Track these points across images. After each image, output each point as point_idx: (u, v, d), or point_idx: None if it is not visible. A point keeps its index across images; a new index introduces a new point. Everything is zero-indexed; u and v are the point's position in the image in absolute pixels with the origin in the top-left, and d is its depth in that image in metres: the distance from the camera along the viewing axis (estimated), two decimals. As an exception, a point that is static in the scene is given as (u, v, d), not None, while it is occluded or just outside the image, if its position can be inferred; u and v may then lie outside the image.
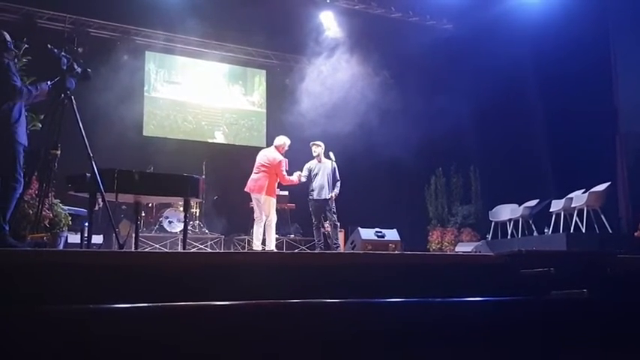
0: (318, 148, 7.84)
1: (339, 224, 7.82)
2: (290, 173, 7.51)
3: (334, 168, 7.75)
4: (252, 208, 7.36)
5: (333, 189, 7.68)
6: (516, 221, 9.63)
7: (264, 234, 7.15)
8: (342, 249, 8.37)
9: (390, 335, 2.51)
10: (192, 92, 11.16)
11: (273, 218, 7.20)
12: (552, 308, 3.00)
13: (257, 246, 7.12)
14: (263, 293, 2.63)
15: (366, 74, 10.32)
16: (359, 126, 9.43)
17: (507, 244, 8.91)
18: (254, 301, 2.50)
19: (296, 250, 9.05)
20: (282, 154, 7.26)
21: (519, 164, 9.93)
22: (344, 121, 9.22)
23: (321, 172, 7.75)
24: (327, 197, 7.59)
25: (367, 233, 8.59)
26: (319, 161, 7.85)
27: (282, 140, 7.37)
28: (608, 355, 2.76)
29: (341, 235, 8.71)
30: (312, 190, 7.79)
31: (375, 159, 10.59)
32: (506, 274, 3.39)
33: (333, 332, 2.44)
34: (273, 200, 7.20)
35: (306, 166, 7.92)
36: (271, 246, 7.19)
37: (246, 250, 7.00)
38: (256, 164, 7.24)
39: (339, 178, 7.80)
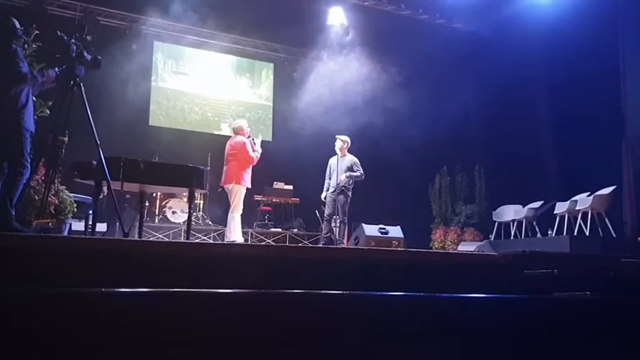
0: (339, 142, 7.78)
1: (346, 222, 7.81)
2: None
3: (354, 162, 7.68)
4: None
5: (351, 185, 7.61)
6: (520, 222, 9.60)
7: (228, 226, 6.90)
8: (345, 244, 8.37)
9: (391, 329, 2.52)
10: (200, 83, 11.17)
11: (239, 208, 6.86)
12: (555, 308, 3.00)
13: (239, 239, 6.93)
14: (265, 285, 2.64)
15: (374, 71, 10.29)
16: (365, 123, 9.41)
17: (510, 244, 8.89)
18: (257, 290, 2.51)
19: (300, 244, 9.05)
20: (245, 136, 7.10)
21: (524, 165, 9.90)
22: (350, 118, 9.19)
23: (339, 167, 7.69)
24: (340, 189, 7.48)
25: (371, 229, 8.59)
26: (341, 156, 7.78)
27: (239, 123, 7.30)
28: (610, 357, 2.76)
29: (345, 231, 8.71)
30: (328, 188, 7.76)
31: (381, 156, 10.57)
32: (510, 275, 3.39)
33: (334, 324, 2.45)
34: (242, 189, 6.90)
35: (330, 161, 7.91)
36: (238, 239, 6.87)
37: (249, 243, 6.96)
38: (225, 157, 7.15)
39: (362, 172, 7.70)
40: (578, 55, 8.92)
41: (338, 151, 7.80)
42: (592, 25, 8.85)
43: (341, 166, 7.65)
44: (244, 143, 7.03)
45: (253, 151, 7.07)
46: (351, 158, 7.79)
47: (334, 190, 7.68)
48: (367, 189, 10.85)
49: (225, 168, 7.10)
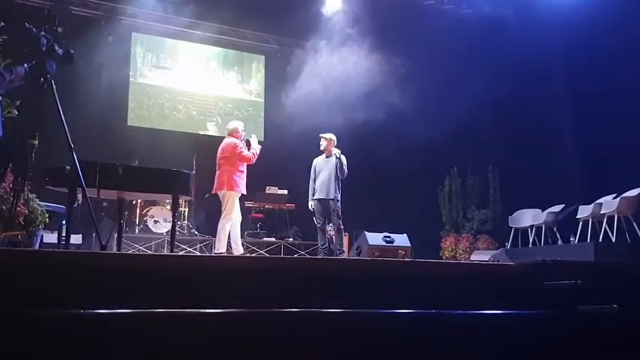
0: (324, 141, 7.84)
1: (343, 228, 7.82)
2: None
3: (340, 163, 7.73)
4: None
5: (340, 186, 7.65)
6: (539, 228, 9.61)
7: (229, 236, 6.93)
8: (346, 255, 8.37)
9: (399, 351, 2.51)
10: (183, 79, 11.17)
11: (231, 216, 6.88)
12: (579, 324, 3.00)
13: (237, 250, 7.00)
14: (258, 302, 2.63)
15: (375, 63, 10.30)
16: (366, 120, 9.43)
17: (529, 253, 8.90)
18: (247, 310, 2.50)
19: (295, 256, 9.04)
20: (239, 139, 7.17)
21: (543, 165, 9.92)
22: (349, 115, 9.22)
23: (326, 168, 7.73)
24: (331, 197, 7.56)
25: (374, 238, 8.59)
26: (327, 156, 7.85)
27: (234, 125, 7.36)
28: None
29: (345, 240, 8.71)
30: (315, 190, 7.80)
31: (384, 156, 10.59)
32: (528, 286, 3.38)
33: (334, 345, 2.44)
34: (234, 196, 6.97)
35: (314, 162, 7.96)
36: (221, 249, 6.87)
37: (240, 254, 6.94)
38: (217, 161, 7.17)
39: (346, 171, 7.70)
40: (603, 41, 8.91)
41: (332, 151, 7.82)
42: (619, 5, 8.80)
43: (329, 167, 7.67)
44: (235, 144, 7.06)
45: (248, 149, 7.08)
46: (334, 157, 7.77)
47: (322, 198, 7.67)
48: (370, 194, 10.89)
49: (217, 174, 7.12)
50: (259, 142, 7.31)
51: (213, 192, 7.16)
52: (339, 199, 7.68)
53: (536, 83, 9.96)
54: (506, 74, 9.80)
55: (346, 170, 7.69)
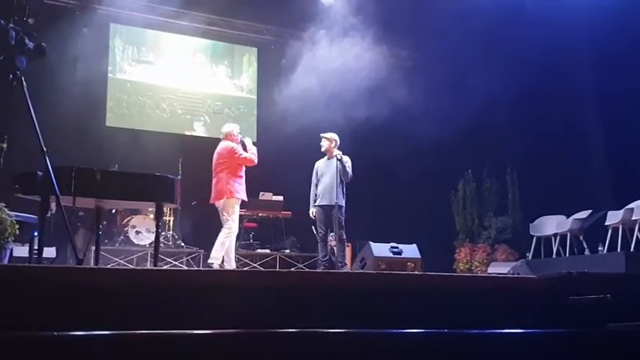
0: (325, 142, 7.86)
1: (345, 238, 7.82)
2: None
3: (342, 165, 7.74)
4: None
5: (344, 191, 7.68)
6: (563, 236, 9.61)
7: (227, 249, 7.01)
8: (349, 268, 8.36)
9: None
10: (167, 74, 11.18)
11: (230, 227, 6.97)
12: (609, 343, 2.99)
13: (229, 264, 7.04)
14: (253, 321, 2.63)
15: (379, 54, 10.31)
16: (370, 118, 9.44)
17: (552, 264, 8.88)
18: (241, 330, 2.50)
19: (293, 269, 9.03)
20: (235, 142, 7.25)
21: (568, 166, 9.92)
22: (351, 113, 9.22)
23: (329, 171, 7.75)
24: (333, 203, 7.55)
25: (380, 249, 8.58)
26: (328, 158, 7.87)
27: (230, 127, 7.43)
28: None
29: (348, 252, 8.70)
30: (317, 195, 7.82)
31: (390, 158, 10.59)
32: (552, 302, 3.38)
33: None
34: (235, 203, 7.04)
35: (315, 165, 7.98)
36: (215, 260, 6.96)
37: (232, 268, 6.94)
38: (213, 168, 7.23)
39: (350, 174, 7.74)
40: (633, 32, 8.91)
41: (333, 153, 7.83)
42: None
43: (331, 170, 7.68)
44: (232, 148, 7.13)
45: (246, 151, 7.17)
46: (335, 160, 7.79)
47: (324, 204, 7.69)
48: (375, 200, 10.88)
49: (213, 181, 7.17)
50: (253, 144, 7.34)
51: (212, 202, 7.20)
52: (344, 205, 7.68)
53: (559, 77, 9.96)
54: (525, 67, 9.80)
55: (350, 173, 7.70)
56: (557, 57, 9.75)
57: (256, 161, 7.20)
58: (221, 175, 7.09)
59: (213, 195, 7.16)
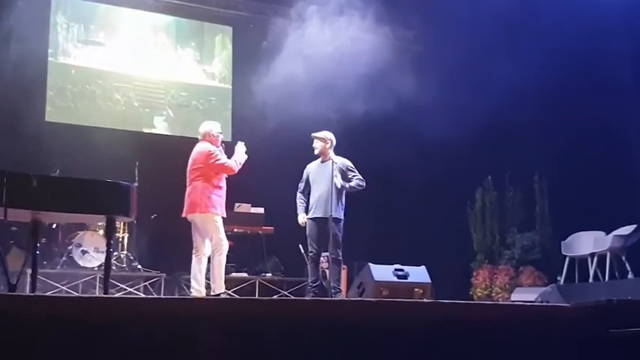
0: (318, 143, 7.89)
1: (341, 260, 7.82)
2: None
3: (346, 166, 7.75)
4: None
5: (343, 202, 7.73)
6: (602, 257, 9.64)
7: (210, 272, 7.09)
8: (344, 295, 8.35)
9: None
10: (121, 58, 11.14)
11: (219, 245, 7.08)
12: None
13: (198, 291, 7.08)
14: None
15: (382, 37, 10.33)
16: (368, 113, 9.44)
17: (589, 290, 8.91)
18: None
19: (276, 297, 9.01)
20: (215, 144, 7.27)
21: (608, 173, 9.96)
22: (346, 106, 9.22)
23: (323, 177, 7.77)
24: (331, 216, 7.57)
25: (382, 272, 8.57)
26: (323, 160, 7.90)
27: (208, 126, 7.42)
28: None
29: (343, 275, 8.69)
30: (309, 207, 7.84)
31: (393, 162, 10.60)
32: (589, 335, 3.39)
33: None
34: (214, 218, 7.09)
35: (307, 168, 8.02)
36: (219, 290, 7.06)
37: (200, 296, 6.93)
38: (187, 176, 7.26)
39: (361, 178, 7.86)
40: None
41: (329, 155, 7.84)
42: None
43: (326, 176, 7.70)
44: (209, 152, 7.13)
45: (229, 157, 7.21)
46: (341, 162, 7.83)
47: (317, 217, 7.71)
48: (375, 213, 10.88)
49: (187, 191, 7.20)
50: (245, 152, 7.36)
51: (184, 215, 7.20)
52: (342, 218, 7.71)
53: (596, 68, 9.99)
54: (557, 55, 9.84)
55: (360, 181, 7.84)
56: (592, 45, 9.79)
57: (236, 170, 7.20)
58: (195, 184, 7.10)
59: (185, 207, 7.18)
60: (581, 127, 10.22)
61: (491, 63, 9.86)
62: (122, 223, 9.13)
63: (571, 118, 10.30)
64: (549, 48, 9.83)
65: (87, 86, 10.89)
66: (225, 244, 7.13)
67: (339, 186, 7.65)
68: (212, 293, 7.11)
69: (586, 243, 9.92)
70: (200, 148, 7.25)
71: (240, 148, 7.34)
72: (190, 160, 7.26)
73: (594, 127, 10.12)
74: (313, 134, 7.95)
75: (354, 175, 7.87)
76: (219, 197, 7.13)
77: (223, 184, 7.22)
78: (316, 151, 7.93)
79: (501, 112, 10.02)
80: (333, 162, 7.69)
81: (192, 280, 7.15)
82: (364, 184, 7.89)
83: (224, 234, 7.15)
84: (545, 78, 10.01)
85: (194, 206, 7.06)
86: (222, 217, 7.19)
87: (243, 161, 7.26)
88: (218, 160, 7.11)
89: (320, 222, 7.70)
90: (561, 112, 10.43)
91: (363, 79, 9.67)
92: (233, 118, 11.55)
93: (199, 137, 7.42)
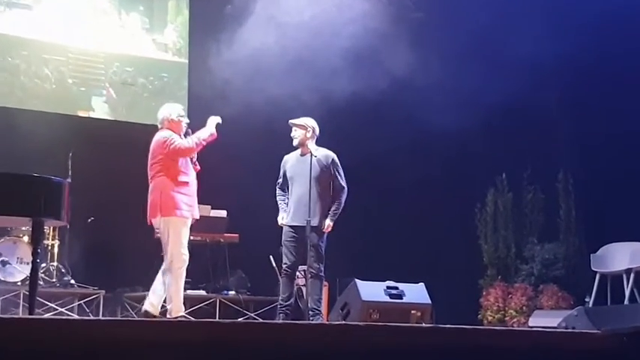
0: (298, 131, 7.89)
1: (323, 276, 7.84)
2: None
3: (329, 163, 7.79)
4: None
5: (328, 207, 7.75)
6: (639, 273, 9.71)
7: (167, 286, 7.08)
8: (324, 319, 8.36)
9: None
10: (52, 25, 11.09)
11: (178, 256, 7.02)
12: None
13: (153, 307, 7.08)
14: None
15: (373, 2, 10.36)
16: (356, 96, 9.46)
17: (624, 314, 8.96)
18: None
19: (241, 319, 9.01)
20: (177, 131, 7.23)
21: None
22: (328, 86, 9.23)
23: (302, 174, 7.79)
24: (312, 224, 7.60)
25: (372, 290, 8.59)
26: (303, 153, 7.92)
27: (167, 110, 7.36)
28: None
29: (324, 293, 8.69)
30: (287, 209, 7.88)
31: (387, 156, 10.62)
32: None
33: None
34: (176, 221, 7.02)
35: (283, 160, 8.05)
36: (176, 312, 7.05)
37: (147, 318, 6.92)
38: (148, 174, 7.25)
39: (343, 185, 7.86)
40: None
41: (310, 146, 7.86)
42: None
43: (305, 172, 7.72)
44: (164, 139, 7.07)
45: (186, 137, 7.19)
46: (323, 155, 7.83)
47: (295, 225, 7.75)
48: (363, 218, 10.88)
49: (149, 191, 7.17)
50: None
51: (149, 221, 7.21)
52: (328, 228, 7.73)
53: (633, 45, 10.08)
54: (588, 25, 9.89)
55: (343, 182, 7.86)
56: (627, 20, 9.85)
57: (194, 148, 7.12)
58: (156, 182, 7.06)
59: (148, 210, 7.15)
60: (616, 115, 10.28)
61: (508, 35, 9.91)
62: (52, 228, 9.09)
63: (604, 105, 10.35)
64: (582, 15, 9.86)
65: (9, 58, 10.83)
66: (186, 255, 7.09)
67: (326, 228, 7.70)
68: (168, 316, 7.06)
69: (621, 256, 9.96)
70: (157, 137, 7.17)
71: (211, 122, 7.31)
72: (150, 152, 7.21)
73: (631, 117, 10.18)
74: (291, 121, 7.94)
75: (339, 181, 7.85)
76: (185, 195, 7.07)
77: (191, 178, 7.15)
78: (295, 142, 7.91)
79: (519, 98, 10.05)
80: (312, 156, 7.69)
81: (150, 292, 7.13)
82: (344, 196, 7.90)
83: (186, 242, 7.11)
84: (575, 54, 10.05)
85: (154, 208, 7.03)
86: (193, 218, 7.17)
87: (207, 138, 7.18)
88: (173, 144, 7.03)
89: (299, 230, 7.72)
90: (593, 97, 10.49)
91: (349, 54, 9.70)
92: (190, 99, 11.50)
93: (158, 125, 7.36)
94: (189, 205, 7.09)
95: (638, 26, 9.95)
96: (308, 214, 7.57)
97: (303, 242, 7.66)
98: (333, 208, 7.79)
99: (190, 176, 7.18)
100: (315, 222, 7.61)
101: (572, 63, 10.22)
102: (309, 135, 7.87)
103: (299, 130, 7.89)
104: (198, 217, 7.32)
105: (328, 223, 7.73)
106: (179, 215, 7.02)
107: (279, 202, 8.02)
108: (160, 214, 7.00)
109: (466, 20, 10.25)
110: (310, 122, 7.95)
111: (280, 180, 8.04)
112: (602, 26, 9.80)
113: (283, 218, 7.90)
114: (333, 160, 7.89)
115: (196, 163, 7.28)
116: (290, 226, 7.78)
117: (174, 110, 7.35)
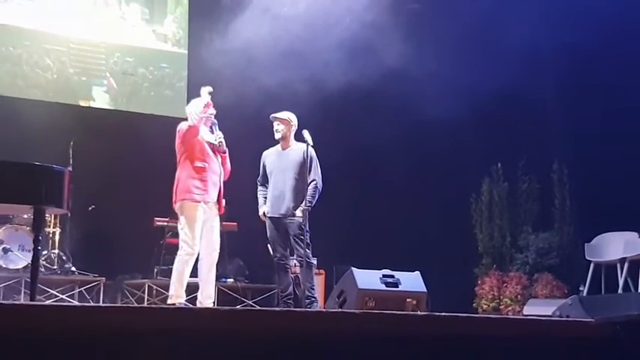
0: (281, 125, 7.90)
1: (315, 263, 7.83)
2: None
3: (309, 157, 7.80)
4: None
5: (305, 197, 7.74)
6: (634, 263, 9.70)
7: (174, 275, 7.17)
8: (321, 305, 8.37)
9: None
10: (53, 16, 11.06)
11: (193, 244, 7.09)
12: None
13: (178, 296, 7.15)
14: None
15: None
16: (351, 86, 9.44)
17: (618, 303, 8.96)
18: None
19: (239, 307, 9.02)
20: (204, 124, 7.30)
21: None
22: (323, 77, 9.20)
23: (283, 166, 7.82)
24: (291, 213, 7.62)
25: (368, 278, 8.59)
26: (284, 148, 7.92)
27: (188, 108, 7.38)
28: None
29: (320, 282, 8.70)
30: (267, 202, 7.90)
31: (380, 146, 10.60)
32: (617, 357, 3.42)
33: None
34: (187, 206, 7.14)
35: (263, 156, 8.05)
36: (176, 298, 7.16)
37: (153, 305, 6.94)
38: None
39: (314, 177, 7.88)
40: None
41: (291, 141, 7.87)
42: None
43: (284, 166, 7.75)
44: (177, 130, 7.21)
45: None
46: (303, 150, 7.82)
47: (276, 216, 7.79)
48: (358, 207, 10.87)
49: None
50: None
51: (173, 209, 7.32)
52: (306, 215, 7.71)
53: (629, 35, 10.05)
54: (579, 19, 9.86)
55: (319, 181, 7.86)
56: (625, 13, 9.83)
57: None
58: (178, 172, 7.20)
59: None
60: (612, 104, 10.26)
61: (503, 25, 9.88)
62: (53, 216, 9.09)
63: (600, 94, 10.33)
64: (577, 4, 9.82)
65: (11, 48, 10.81)
66: (195, 245, 7.12)
67: (299, 215, 7.72)
68: (168, 302, 7.16)
69: (615, 246, 9.96)
70: (180, 127, 7.28)
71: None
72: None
73: (629, 105, 10.15)
74: (273, 115, 7.95)
75: (314, 177, 7.85)
76: (197, 179, 7.14)
77: (205, 164, 7.20)
78: (278, 136, 7.93)
79: (515, 86, 10.01)
80: (305, 148, 7.72)
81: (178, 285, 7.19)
82: (320, 189, 7.91)
83: (198, 229, 7.13)
84: (569, 44, 10.03)
85: (174, 195, 7.17)
86: (205, 203, 7.19)
87: (198, 111, 7.17)
88: (179, 130, 7.17)
89: (277, 222, 7.81)
90: (588, 86, 10.46)
91: (344, 44, 9.65)
92: (189, 89, 11.47)
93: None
94: (200, 189, 7.16)
95: (635, 16, 9.92)
96: (291, 205, 7.67)
97: (284, 233, 7.77)
98: (307, 198, 7.78)
99: (209, 163, 7.24)
100: (297, 212, 7.68)
101: (567, 53, 10.21)
102: (289, 130, 7.91)
103: (282, 124, 7.91)
104: (209, 200, 7.26)
105: (306, 206, 7.72)
106: (189, 199, 7.10)
107: (259, 197, 8.06)
108: (176, 199, 7.14)
109: (461, 10, 10.24)
110: (293, 117, 7.98)
111: (260, 177, 8.09)
112: (598, 15, 9.77)
113: (265, 209, 7.94)
114: (311, 155, 7.87)
115: (226, 150, 7.46)
116: (271, 218, 7.85)
117: (194, 108, 7.22)
